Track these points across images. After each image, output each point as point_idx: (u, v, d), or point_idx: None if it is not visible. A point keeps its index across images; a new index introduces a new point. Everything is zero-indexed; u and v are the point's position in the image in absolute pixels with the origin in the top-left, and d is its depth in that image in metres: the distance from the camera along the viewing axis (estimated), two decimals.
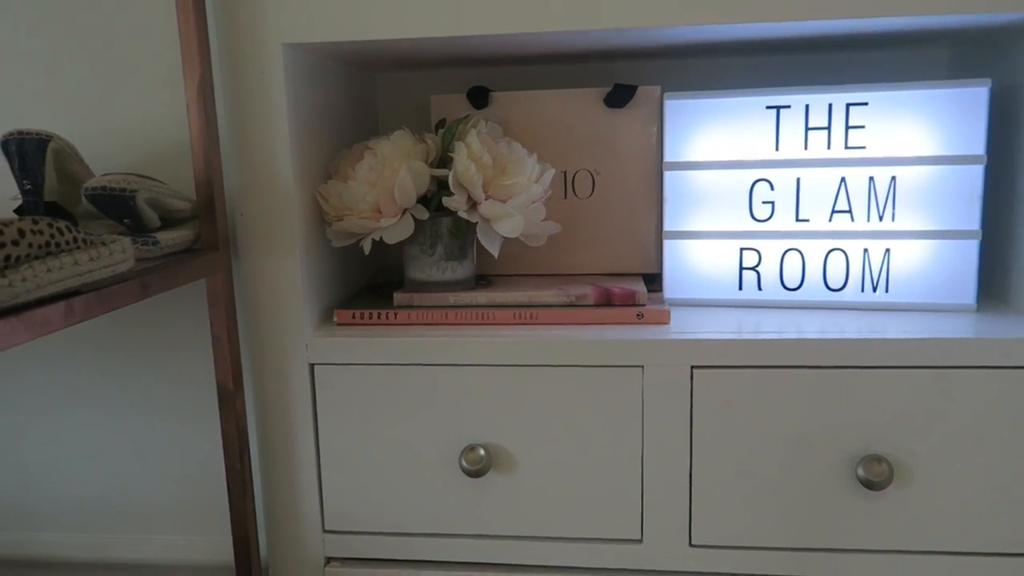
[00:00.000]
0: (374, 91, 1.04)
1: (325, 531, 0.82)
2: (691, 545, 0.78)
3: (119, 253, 0.58)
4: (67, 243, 0.54)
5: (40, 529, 0.89)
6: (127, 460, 0.87)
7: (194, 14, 0.70)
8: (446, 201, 0.79)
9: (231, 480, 0.78)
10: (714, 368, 0.74)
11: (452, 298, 0.82)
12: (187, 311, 0.85)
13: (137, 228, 0.71)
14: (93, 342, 0.87)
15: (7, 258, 0.49)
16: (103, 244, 0.56)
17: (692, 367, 0.75)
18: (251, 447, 0.81)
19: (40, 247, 0.52)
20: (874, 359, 0.73)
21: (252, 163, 0.76)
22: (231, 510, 0.78)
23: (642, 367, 0.75)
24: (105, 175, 0.69)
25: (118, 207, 0.68)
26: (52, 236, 0.53)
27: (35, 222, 0.52)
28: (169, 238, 0.71)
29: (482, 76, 1.02)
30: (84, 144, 0.77)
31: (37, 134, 0.69)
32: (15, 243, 0.50)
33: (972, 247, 0.80)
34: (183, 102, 0.76)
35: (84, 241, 0.55)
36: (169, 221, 0.75)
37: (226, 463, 0.78)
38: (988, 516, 0.73)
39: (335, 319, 0.82)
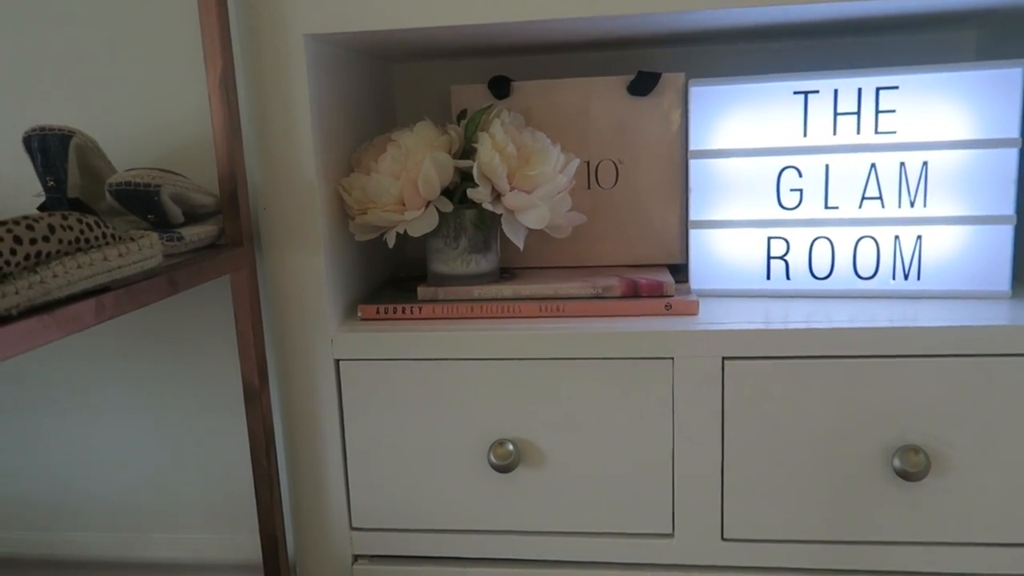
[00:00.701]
0: (392, 82, 1.03)
1: (352, 528, 0.81)
2: (723, 539, 0.77)
3: (148, 249, 0.57)
4: (96, 239, 0.53)
5: (68, 529, 0.88)
6: (153, 459, 0.86)
7: (216, 5, 0.69)
8: (470, 193, 0.78)
9: (258, 478, 0.77)
10: (745, 359, 0.73)
11: (477, 291, 0.81)
12: (210, 307, 0.84)
13: (161, 224, 0.70)
14: (117, 340, 0.86)
15: (38, 254, 0.48)
16: (132, 240, 0.56)
17: (723, 358, 0.73)
18: (277, 444, 0.80)
19: (70, 243, 0.51)
20: (908, 348, 0.71)
21: (275, 156, 0.75)
22: (258, 508, 0.78)
23: (672, 359, 0.74)
24: (129, 170, 0.68)
25: (142, 202, 0.67)
26: (82, 232, 0.52)
27: (64, 217, 0.51)
28: (193, 233, 0.70)
29: (502, 66, 1.00)
30: (105, 139, 0.76)
31: (59, 130, 0.68)
32: (46, 239, 0.49)
33: (1007, 232, 0.78)
34: (204, 96, 0.76)
35: (113, 237, 0.55)
36: (192, 216, 0.74)
37: (253, 461, 0.77)
38: (1023, 506, 0.72)
39: (359, 314, 0.81)
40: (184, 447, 0.86)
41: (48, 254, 0.49)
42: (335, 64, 0.81)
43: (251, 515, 0.85)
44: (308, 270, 0.77)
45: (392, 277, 0.98)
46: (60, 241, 0.50)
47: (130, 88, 0.77)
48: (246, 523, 0.86)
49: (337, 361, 0.78)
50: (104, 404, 0.88)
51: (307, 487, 0.81)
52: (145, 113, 0.76)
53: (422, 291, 0.82)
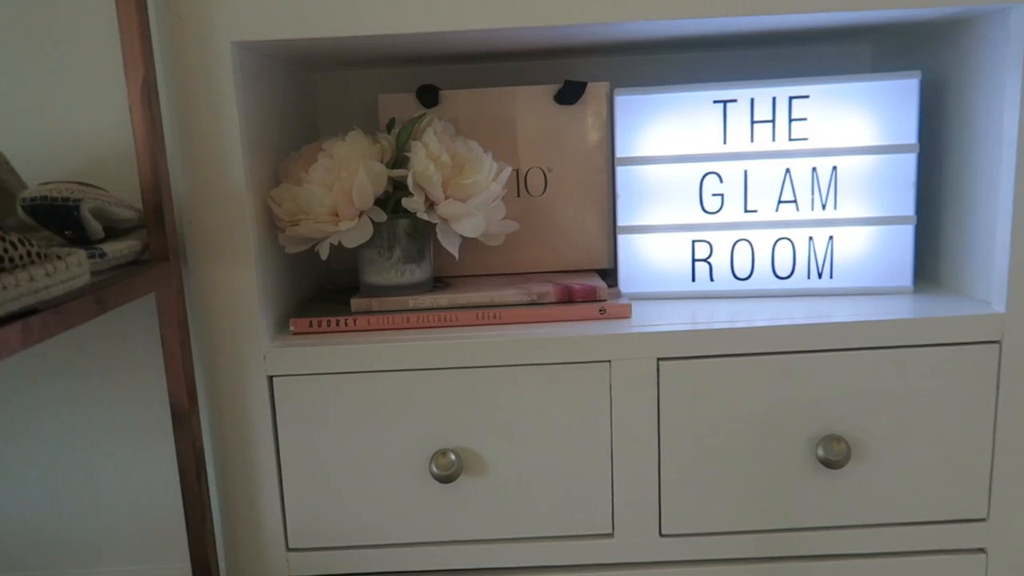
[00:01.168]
0: (313, 91, 1.01)
1: (289, 549, 0.79)
2: (661, 535, 0.79)
3: (75, 267, 0.54)
4: (21, 258, 0.50)
5: None
6: (71, 489, 0.81)
7: (136, 10, 0.66)
8: (405, 202, 0.77)
9: (188, 504, 0.74)
10: (679, 359, 0.76)
11: (412, 302, 0.80)
12: (127, 325, 0.80)
13: (80, 239, 0.66)
14: (22, 361, 0.81)
15: None
16: (58, 258, 0.52)
17: (658, 359, 0.76)
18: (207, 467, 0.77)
19: None
20: (825, 343, 0.76)
21: (200, 168, 0.72)
22: (189, 535, 0.74)
23: (609, 362, 0.76)
24: (44, 184, 0.64)
25: (60, 217, 0.64)
26: (5, 251, 0.48)
27: None
28: (116, 249, 0.66)
29: (426, 74, 1.00)
30: (10, 150, 0.72)
31: None
32: None
33: (908, 232, 0.84)
34: (121, 105, 0.72)
35: (39, 255, 0.51)
36: (112, 231, 0.70)
37: (182, 486, 0.74)
38: (935, 486, 0.78)
39: (291, 328, 0.79)
40: (104, 475, 0.81)
41: None
42: (259, 73, 0.79)
43: (179, 542, 0.82)
44: (238, 284, 0.74)
45: (319, 289, 0.96)
46: None
47: (37, 96, 0.73)
48: (174, 551, 0.82)
49: (271, 377, 0.76)
50: (12, 431, 0.82)
51: (240, 509, 0.78)
52: (56, 123, 0.72)
53: (356, 303, 0.81)
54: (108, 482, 0.80)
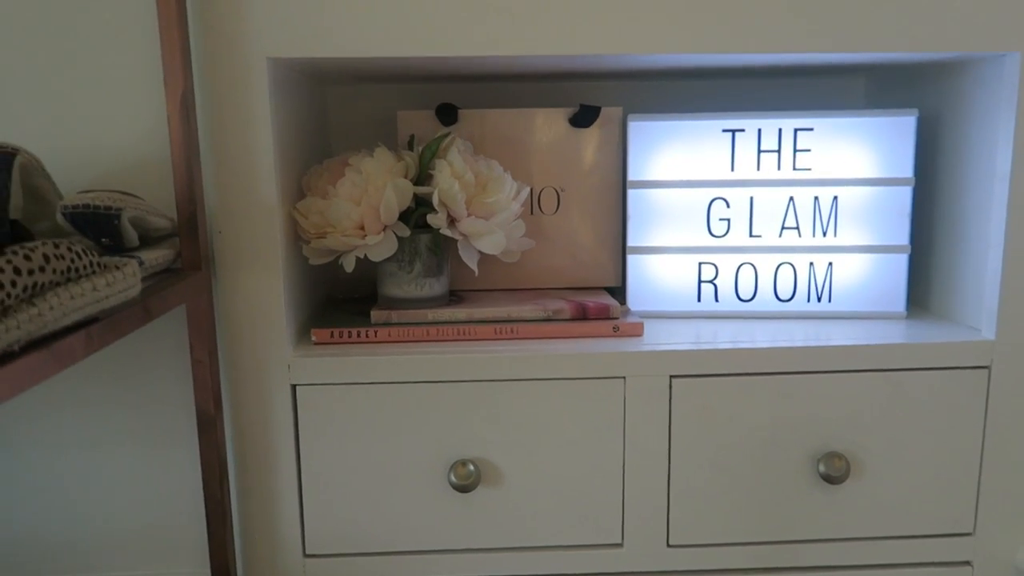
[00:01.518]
0: (325, 104, 1.02)
1: (306, 555, 0.80)
2: (669, 546, 0.82)
3: (131, 277, 0.55)
4: (84, 268, 0.51)
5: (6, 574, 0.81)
6: (91, 495, 0.81)
7: (177, 26, 0.67)
8: (430, 218, 0.79)
9: (211, 509, 0.75)
10: (690, 377, 0.79)
11: (431, 315, 0.82)
12: (146, 332, 0.80)
13: (116, 247, 0.67)
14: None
15: (35, 285, 0.46)
16: (116, 268, 0.54)
17: (671, 376, 0.79)
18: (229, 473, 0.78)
19: (62, 273, 0.49)
20: (824, 364, 0.79)
21: (233, 179, 0.73)
22: (210, 541, 0.75)
23: (624, 378, 0.78)
24: (85, 192, 0.65)
25: (100, 226, 0.64)
26: (72, 261, 0.50)
27: (56, 246, 0.49)
28: (152, 258, 0.67)
29: (438, 91, 1.02)
30: (45, 158, 0.72)
31: (2, 147, 0.64)
32: (42, 269, 0.47)
33: (902, 260, 0.89)
34: (154, 115, 0.73)
35: (99, 265, 0.52)
36: (145, 239, 0.71)
37: (205, 492, 0.75)
38: (925, 502, 0.82)
39: (313, 338, 0.81)
40: (119, 479, 0.81)
41: (42, 285, 0.47)
42: (287, 87, 0.80)
43: (193, 546, 0.82)
44: (265, 294, 0.76)
45: (328, 299, 0.97)
46: (54, 271, 0.48)
47: (75, 105, 0.73)
48: (188, 555, 0.82)
49: (294, 386, 0.77)
50: (24, 435, 0.82)
51: (259, 515, 0.79)
52: (90, 131, 0.73)
53: (375, 314, 0.82)
54: (123, 487, 0.81)
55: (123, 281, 0.54)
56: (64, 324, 0.48)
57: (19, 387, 0.43)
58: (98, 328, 0.51)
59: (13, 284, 0.44)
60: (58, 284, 0.48)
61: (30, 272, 0.46)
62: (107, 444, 0.80)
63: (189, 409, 0.79)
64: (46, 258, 0.47)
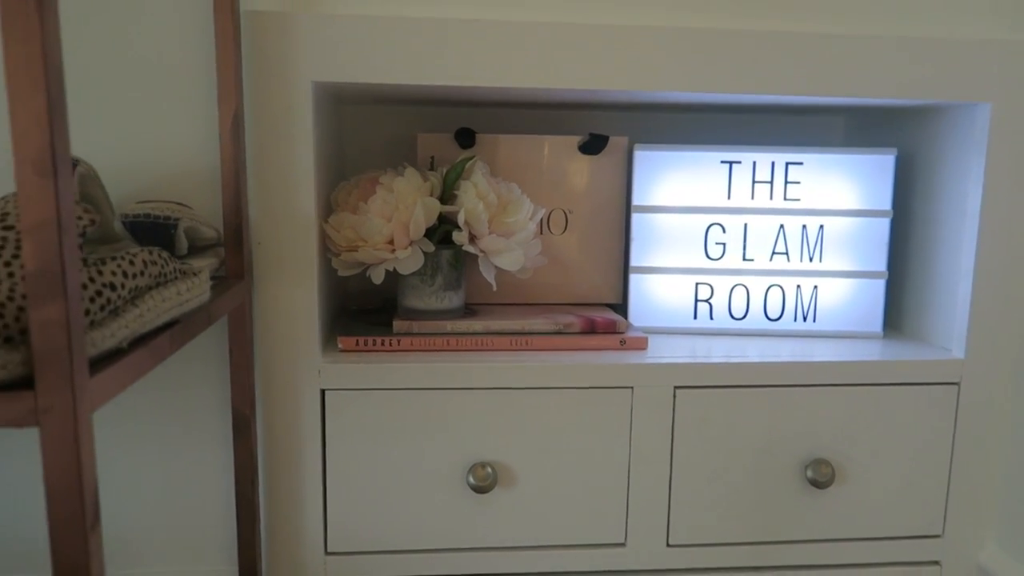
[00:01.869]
0: (341, 123, 1.07)
1: (327, 553, 0.84)
2: (668, 545, 0.88)
3: (204, 283, 0.59)
4: (170, 273, 0.55)
5: (17, 571, 0.83)
6: (123, 494, 0.84)
7: (232, 50, 0.72)
8: (455, 236, 0.84)
9: (242, 508, 0.78)
10: (693, 388, 0.85)
11: (450, 326, 0.87)
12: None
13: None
14: None
15: (136, 288, 0.50)
16: (195, 275, 0.58)
17: (675, 387, 0.85)
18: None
19: (155, 277, 0.53)
20: (811, 378, 0.87)
21: (274, 194, 0.78)
22: (239, 540, 0.79)
23: (632, 388, 0.85)
24: (145, 202, 0.69)
25: (157, 234, 0.68)
26: (162, 267, 0.54)
27: (149, 252, 0.53)
28: (200, 266, 0.71)
29: (453, 115, 1.08)
30: (105, 166, 0.76)
31: (77, 162, 0.67)
32: (142, 273, 0.51)
33: (880, 285, 0.97)
34: (204, 132, 0.77)
35: (181, 272, 0.57)
36: (192, 248, 0.75)
37: (237, 492, 0.78)
38: (899, 506, 0.90)
39: (339, 346, 0.85)
40: (146, 477, 0.84)
41: (140, 288, 0.51)
42: (321, 107, 0.85)
43: (218, 546, 0.85)
44: (300, 303, 0.80)
45: (344, 308, 1.01)
46: (150, 276, 0.52)
47: (136, 122, 0.77)
48: (213, 555, 0.85)
49: (323, 391, 0.82)
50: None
51: (284, 514, 0.82)
52: (146, 145, 0.77)
53: (398, 324, 0.87)
54: (149, 485, 0.83)
55: (199, 287, 0.58)
56: (156, 324, 0.52)
57: (126, 382, 0.47)
58: (179, 329, 0.55)
59: (122, 286, 0.48)
60: (151, 288, 0.53)
61: (133, 276, 0.50)
62: (139, 445, 0.83)
63: (220, 411, 0.82)
64: (144, 263, 0.51)
